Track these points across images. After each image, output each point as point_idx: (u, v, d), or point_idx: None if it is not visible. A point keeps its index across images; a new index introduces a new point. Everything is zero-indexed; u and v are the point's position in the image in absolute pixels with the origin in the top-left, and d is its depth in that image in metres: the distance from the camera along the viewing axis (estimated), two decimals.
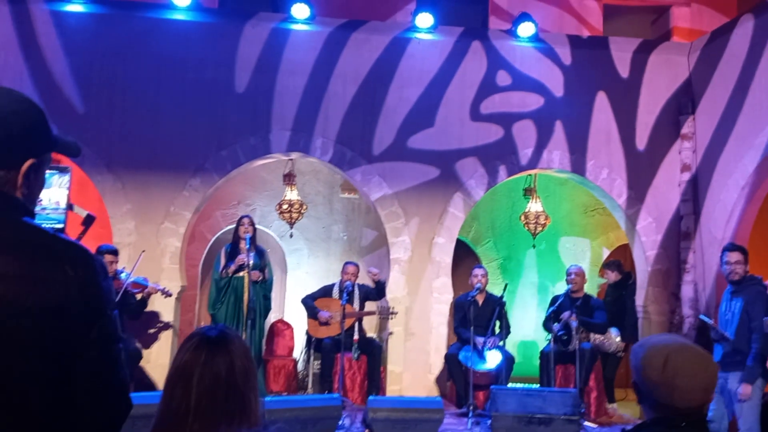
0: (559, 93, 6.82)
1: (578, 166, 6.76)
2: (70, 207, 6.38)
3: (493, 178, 6.71)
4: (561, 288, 7.16)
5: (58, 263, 1.22)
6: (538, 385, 6.31)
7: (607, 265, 7.36)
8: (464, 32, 6.86)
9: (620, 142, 6.82)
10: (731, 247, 4.67)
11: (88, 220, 4.59)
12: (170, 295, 5.92)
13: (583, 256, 8.42)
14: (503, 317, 6.24)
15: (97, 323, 1.25)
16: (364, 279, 7.18)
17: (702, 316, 5.18)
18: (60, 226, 6.32)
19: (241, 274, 6.14)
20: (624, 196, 6.77)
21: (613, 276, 7.17)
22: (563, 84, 6.83)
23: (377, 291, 6.45)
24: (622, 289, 7.25)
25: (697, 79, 6.82)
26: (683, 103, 6.83)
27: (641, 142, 6.84)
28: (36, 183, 1.34)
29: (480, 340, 6.11)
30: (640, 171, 6.81)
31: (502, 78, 6.80)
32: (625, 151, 6.81)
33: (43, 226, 1.29)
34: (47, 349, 1.19)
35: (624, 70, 6.90)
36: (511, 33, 6.86)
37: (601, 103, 6.85)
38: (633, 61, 6.93)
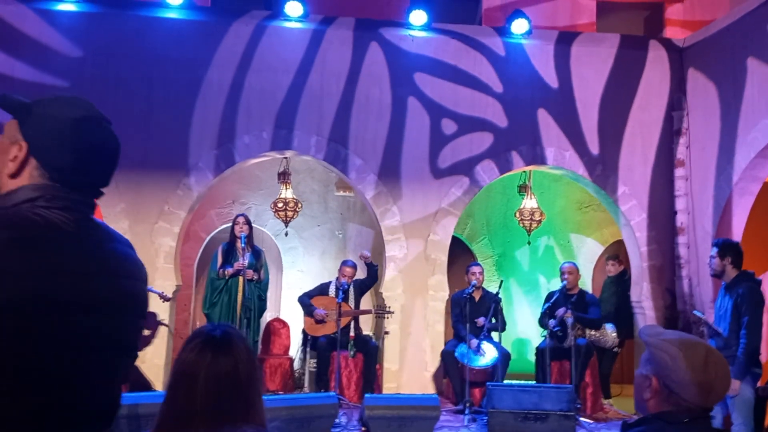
0: (555, 86, 6.82)
1: (572, 163, 6.78)
2: None
3: (490, 175, 6.71)
4: (556, 284, 7.18)
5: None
6: (534, 381, 6.33)
7: (611, 256, 7.46)
8: (456, 31, 6.86)
9: (613, 139, 6.83)
10: (713, 242, 4.76)
11: None
12: (168, 300, 5.91)
13: (577, 252, 8.45)
14: (499, 313, 6.26)
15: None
16: (359, 276, 7.17)
17: (695, 312, 5.20)
18: None
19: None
20: (618, 192, 6.79)
21: (614, 269, 7.24)
22: (559, 77, 6.84)
23: (370, 276, 6.46)
24: (617, 285, 7.29)
25: (690, 75, 6.84)
26: (677, 99, 6.86)
27: (635, 138, 6.86)
28: None
29: (474, 342, 6.14)
30: (634, 167, 6.83)
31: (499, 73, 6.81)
32: (619, 147, 6.82)
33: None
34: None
35: (620, 68, 6.92)
36: (507, 24, 6.86)
37: (594, 98, 6.86)
38: (628, 58, 6.94)
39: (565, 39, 6.96)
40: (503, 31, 6.90)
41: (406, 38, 6.74)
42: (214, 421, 1.27)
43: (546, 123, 6.79)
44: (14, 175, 1.28)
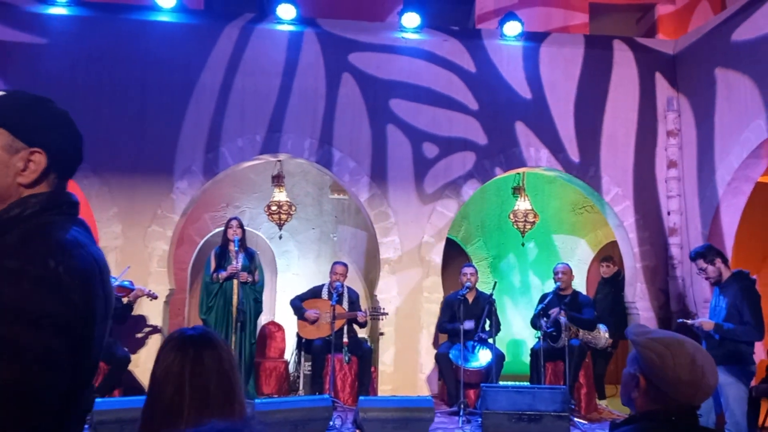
0: (547, 90, 6.85)
1: (566, 164, 6.80)
2: None
3: (486, 177, 6.72)
4: (550, 286, 7.19)
5: None
6: (528, 382, 6.34)
7: (604, 258, 7.48)
8: (452, 31, 6.88)
9: (607, 140, 6.86)
10: (692, 256, 4.68)
11: None
12: (156, 298, 5.89)
13: (571, 253, 8.47)
14: (493, 315, 6.26)
15: None
16: (355, 280, 7.18)
17: (679, 320, 5.17)
18: None
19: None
20: (611, 194, 6.81)
21: (608, 271, 7.25)
22: (551, 82, 6.87)
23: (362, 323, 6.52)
24: (611, 286, 7.31)
25: (681, 76, 6.88)
26: (669, 100, 6.90)
27: (628, 139, 6.88)
28: None
29: (469, 323, 6.11)
30: (627, 168, 6.86)
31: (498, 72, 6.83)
32: (612, 148, 6.85)
33: None
34: None
35: (612, 69, 6.95)
36: (499, 29, 6.90)
37: (586, 100, 6.89)
38: (618, 60, 6.97)
39: (552, 42, 6.98)
40: (493, 35, 6.93)
41: (399, 41, 6.75)
42: (203, 413, 1.32)
43: (539, 125, 6.81)
44: (32, 185, 1.22)
